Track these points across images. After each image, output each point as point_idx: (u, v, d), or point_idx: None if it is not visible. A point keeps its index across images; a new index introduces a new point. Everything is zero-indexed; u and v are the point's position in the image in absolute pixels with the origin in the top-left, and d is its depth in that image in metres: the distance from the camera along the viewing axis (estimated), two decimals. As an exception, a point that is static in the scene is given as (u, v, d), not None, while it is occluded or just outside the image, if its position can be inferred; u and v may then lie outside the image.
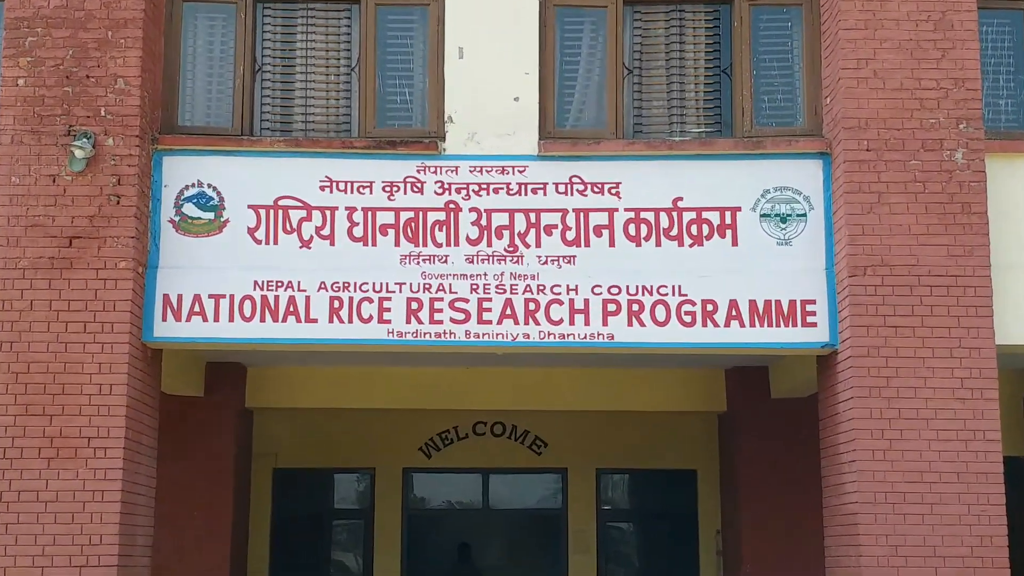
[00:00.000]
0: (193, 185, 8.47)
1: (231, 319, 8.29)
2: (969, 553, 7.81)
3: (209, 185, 8.47)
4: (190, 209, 8.44)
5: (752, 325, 8.29)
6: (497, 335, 8.29)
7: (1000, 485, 7.90)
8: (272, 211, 8.45)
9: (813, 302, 8.33)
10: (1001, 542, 7.83)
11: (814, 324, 8.31)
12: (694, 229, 8.45)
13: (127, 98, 8.27)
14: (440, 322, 8.29)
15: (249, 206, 8.45)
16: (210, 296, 8.30)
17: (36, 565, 7.73)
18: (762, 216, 8.45)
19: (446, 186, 8.51)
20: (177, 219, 8.44)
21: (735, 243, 8.43)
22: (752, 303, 8.30)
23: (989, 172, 8.24)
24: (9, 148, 8.18)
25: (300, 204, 8.47)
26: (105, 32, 8.30)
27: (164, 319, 8.28)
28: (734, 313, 8.29)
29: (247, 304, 8.29)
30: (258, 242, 8.42)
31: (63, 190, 8.15)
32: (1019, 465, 9.95)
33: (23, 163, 8.17)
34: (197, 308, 8.29)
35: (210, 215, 8.44)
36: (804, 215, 8.45)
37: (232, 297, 8.30)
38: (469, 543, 12.45)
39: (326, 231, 8.44)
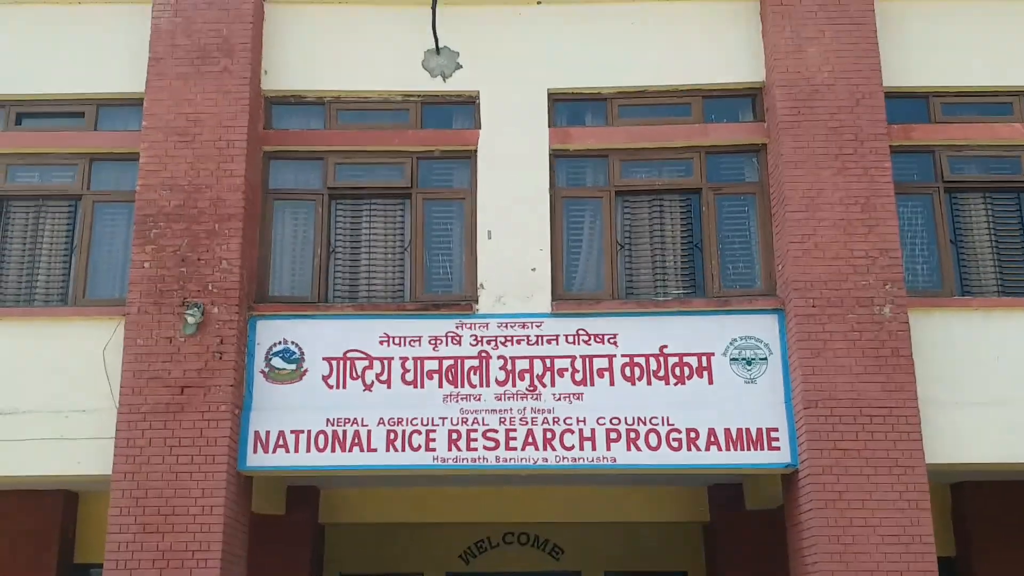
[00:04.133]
0: (280, 343, 8.55)
1: (308, 450, 8.24)
2: (913, 639, 7.65)
3: (292, 342, 8.55)
4: (277, 362, 8.52)
5: (728, 449, 8.20)
6: (521, 460, 8.22)
7: (935, 580, 7.80)
8: (342, 362, 8.50)
9: (776, 430, 8.27)
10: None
11: (778, 448, 8.24)
12: (677, 371, 8.45)
13: (229, 276, 8.41)
14: (475, 449, 8.24)
15: (323, 358, 8.50)
16: (291, 432, 8.27)
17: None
18: (731, 360, 8.46)
19: (479, 339, 8.56)
20: (266, 370, 8.50)
21: (711, 382, 8.40)
22: (727, 431, 8.23)
23: (912, 323, 8.30)
24: (136, 317, 8.32)
25: (364, 356, 8.52)
26: (213, 224, 8.52)
27: (255, 451, 8.27)
28: (713, 439, 8.21)
29: (320, 438, 8.25)
30: (330, 387, 8.44)
31: (177, 349, 8.26)
32: (950, 564, 9.69)
33: (146, 328, 8.30)
34: (281, 442, 8.27)
35: (293, 366, 8.51)
36: (765, 359, 8.47)
37: (309, 432, 8.27)
38: None
39: (384, 377, 8.46)
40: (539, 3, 9.34)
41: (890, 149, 8.73)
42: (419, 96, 9.24)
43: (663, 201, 9.16)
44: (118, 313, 8.50)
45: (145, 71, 8.97)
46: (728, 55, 9.22)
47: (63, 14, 9.33)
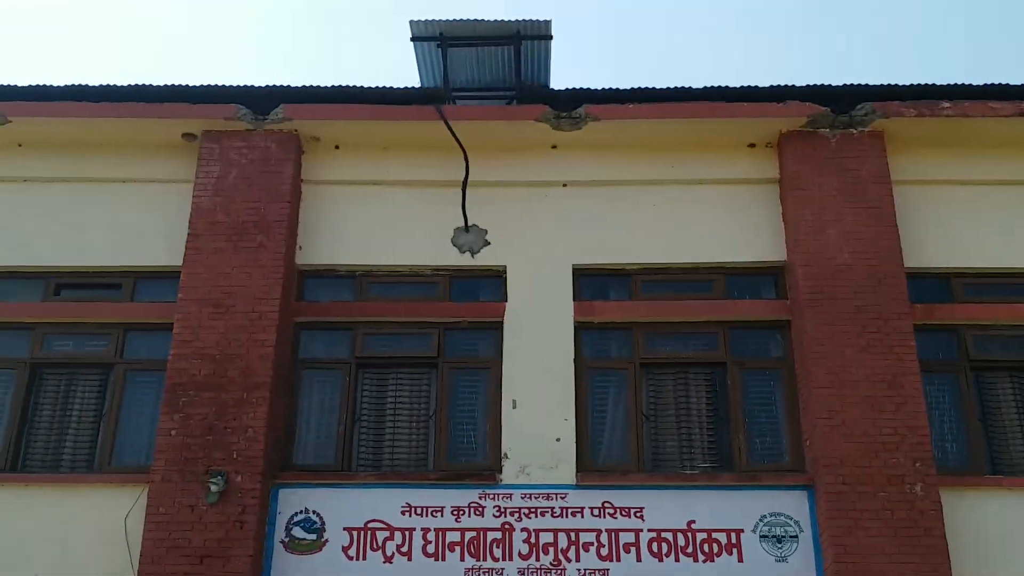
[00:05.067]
0: (301, 512, 8.47)
1: None
2: None
3: (314, 511, 8.46)
4: (297, 532, 8.41)
5: None
6: None
7: None
8: (362, 532, 8.37)
9: None
10: None
11: None
12: (706, 547, 8.27)
13: (254, 444, 8.42)
14: None
15: (344, 528, 8.38)
16: None
17: None
18: (761, 537, 8.31)
19: (502, 510, 8.44)
20: (287, 540, 8.38)
21: (740, 559, 8.22)
22: None
23: (944, 502, 8.18)
24: (159, 485, 8.30)
25: (385, 526, 8.40)
26: (241, 393, 8.58)
27: None
28: None
29: None
30: (350, 559, 8.28)
31: (199, 518, 8.18)
32: None
33: (169, 496, 8.26)
34: None
35: (313, 536, 8.38)
36: (796, 536, 8.30)
37: None
38: None
39: (405, 548, 8.30)
40: (565, 185, 9.70)
41: (914, 328, 8.80)
42: (448, 270, 9.47)
43: (688, 374, 9.20)
44: (142, 480, 8.47)
45: (183, 245, 9.27)
46: (749, 234, 9.46)
47: (105, 190, 9.75)
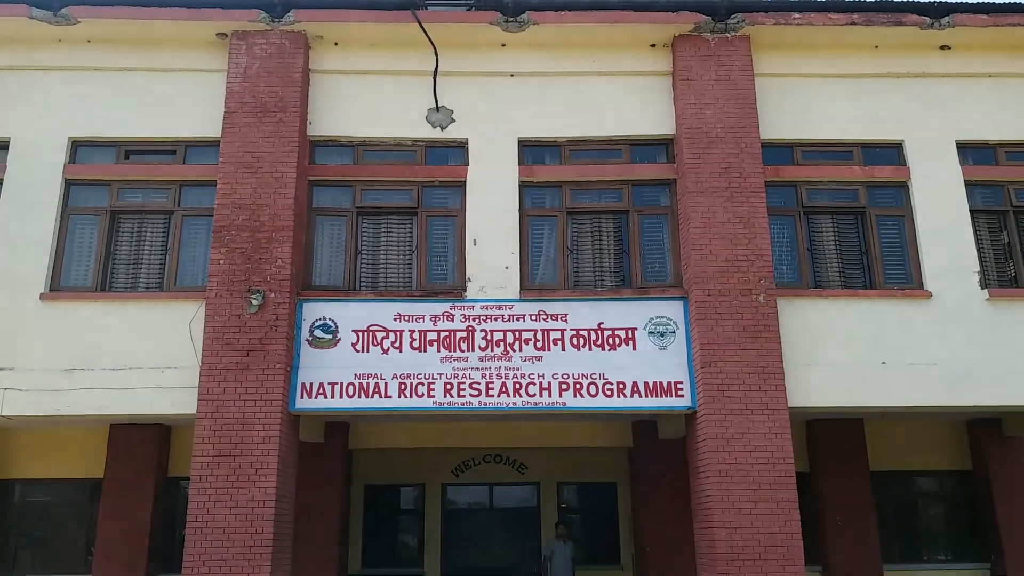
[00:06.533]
0: (320, 319, 8.42)
1: (340, 397, 8.16)
2: (775, 532, 7.68)
3: (329, 319, 8.42)
4: (318, 333, 8.39)
5: (647, 396, 8.19)
6: (497, 403, 8.16)
7: (793, 489, 7.86)
8: (366, 333, 8.39)
9: (681, 383, 8.27)
10: (793, 526, 7.73)
11: (683, 395, 8.24)
12: (611, 340, 8.39)
13: (283, 270, 8.30)
14: (463, 396, 8.18)
15: (352, 330, 8.37)
16: (328, 383, 8.19)
17: (224, 545, 7.63)
18: (649, 333, 8.43)
19: (467, 317, 8.46)
20: (310, 339, 8.36)
21: (634, 348, 8.35)
22: (646, 384, 8.23)
23: (779, 307, 8.35)
24: (214, 300, 8.23)
25: (382, 329, 8.41)
26: (271, 233, 8.40)
27: (301, 397, 8.19)
28: (636, 389, 8.20)
29: (350, 388, 8.18)
30: (357, 351, 8.32)
31: (244, 323, 8.16)
32: (803, 477, 9.73)
33: (221, 308, 8.20)
34: (320, 391, 8.18)
35: (329, 336, 8.38)
36: (674, 332, 8.44)
37: (341, 384, 8.19)
38: (563, 519, 11.17)
39: (397, 344, 8.34)
40: (512, 76, 9.26)
41: (765, 184, 8.74)
42: (423, 141, 9.11)
43: (601, 219, 9.08)
44: (200, 297, 8.36)
45: (221, 121, 8.82)
46: (648, 114, 9.15)
47: (160, 78, 9.14)
